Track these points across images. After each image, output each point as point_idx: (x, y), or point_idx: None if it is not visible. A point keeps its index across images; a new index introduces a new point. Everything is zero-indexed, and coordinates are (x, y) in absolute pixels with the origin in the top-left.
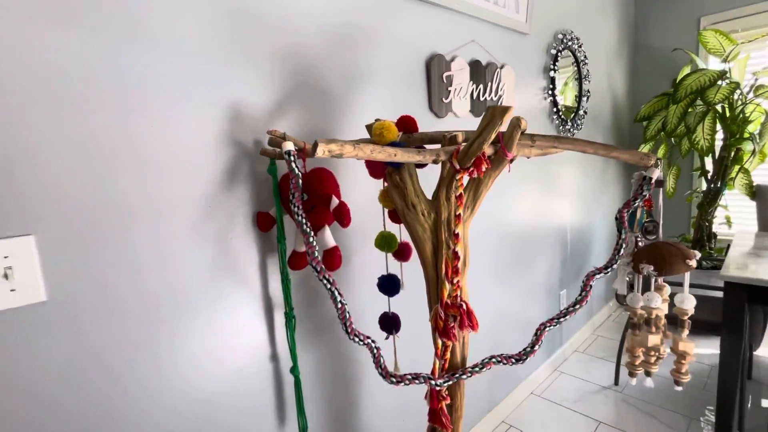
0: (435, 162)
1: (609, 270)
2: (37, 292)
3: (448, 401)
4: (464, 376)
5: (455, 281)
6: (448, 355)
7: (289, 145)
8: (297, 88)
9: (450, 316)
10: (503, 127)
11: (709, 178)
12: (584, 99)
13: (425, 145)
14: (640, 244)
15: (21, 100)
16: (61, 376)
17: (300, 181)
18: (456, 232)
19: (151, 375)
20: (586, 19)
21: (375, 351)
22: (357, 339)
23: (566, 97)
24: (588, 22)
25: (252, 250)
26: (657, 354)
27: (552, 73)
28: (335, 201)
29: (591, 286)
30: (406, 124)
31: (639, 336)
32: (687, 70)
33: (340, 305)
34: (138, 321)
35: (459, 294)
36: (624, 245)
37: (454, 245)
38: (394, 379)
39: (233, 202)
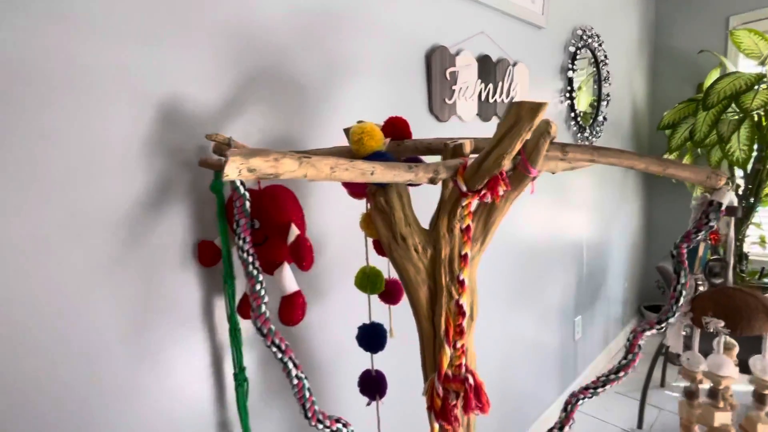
0: (432, 182)
1: (663, 326)
2: None
3: None
4: None
5: (459, 345)
6: None
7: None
8: (259, 82)
9: (451, 393)
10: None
11: (740, 193)
12: (604, 103)
13: (420, 156)
14: (700, 288)
15: None
16: None
17: (247, 203)
18: (461, 278)
19: None
20: (605, 14)
21: None
22: (322, 426)
23: (579, 102)
24: (608, 19)
25: (192, 291)
26: None
27: (570, 74)
28: (294, 232)
29: (640, 347)
30: (396, 127)
31: (700, 410)
32: (716, 73)
33: (296, 381)
34: (19, 399)
35: (464, 362)
36: (684, 291)
37: (458, 295)
38: None
39: (166, 228)
